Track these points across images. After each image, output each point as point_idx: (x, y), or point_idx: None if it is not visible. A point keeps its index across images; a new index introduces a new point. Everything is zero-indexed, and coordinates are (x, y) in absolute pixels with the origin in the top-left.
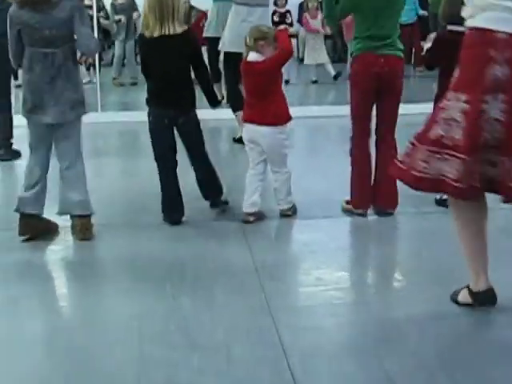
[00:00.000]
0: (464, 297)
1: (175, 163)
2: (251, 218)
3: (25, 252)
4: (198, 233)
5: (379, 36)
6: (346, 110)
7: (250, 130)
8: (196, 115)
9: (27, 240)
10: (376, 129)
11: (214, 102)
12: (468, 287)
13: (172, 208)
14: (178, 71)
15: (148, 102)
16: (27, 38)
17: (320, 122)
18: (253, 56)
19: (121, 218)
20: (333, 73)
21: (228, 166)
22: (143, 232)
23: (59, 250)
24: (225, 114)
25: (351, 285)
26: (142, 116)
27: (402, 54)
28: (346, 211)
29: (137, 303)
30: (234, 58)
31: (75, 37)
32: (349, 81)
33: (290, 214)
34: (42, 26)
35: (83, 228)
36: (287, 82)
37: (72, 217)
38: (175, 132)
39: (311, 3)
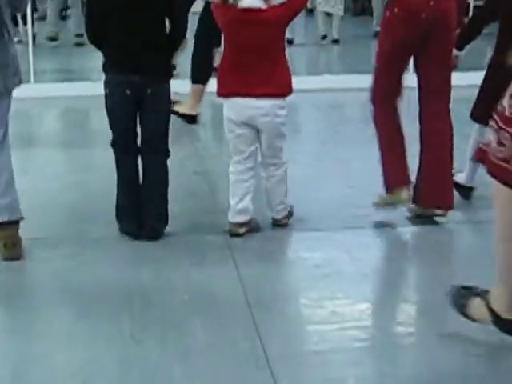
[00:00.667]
0: (481, 314)
1: (137, 151)
2: (241, 230)
3: None
4: (170, 251)
5: None
6: (369, 80)
7: (242, 108)
8: (169, 89)
9: None
10: (420, 102)
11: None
12: (488, 305)
13: (128, 214)
14: (148, 24)
15: (105, 67)
16: None
17: (335, 96)
18: (250, 2)
19: (62, 230)
20: (323, 33)
21: (209, 160)
22: (94, 249)
23: None
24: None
25: (378, 322)
26: (92, 88)
27: None
28: (383, 206)
29: (83, 350)
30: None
31: None
32: (380, 29)
33: (287, 222)
34: None
35: (9, 243)
36: (290, 42)
37: None
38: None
39: None
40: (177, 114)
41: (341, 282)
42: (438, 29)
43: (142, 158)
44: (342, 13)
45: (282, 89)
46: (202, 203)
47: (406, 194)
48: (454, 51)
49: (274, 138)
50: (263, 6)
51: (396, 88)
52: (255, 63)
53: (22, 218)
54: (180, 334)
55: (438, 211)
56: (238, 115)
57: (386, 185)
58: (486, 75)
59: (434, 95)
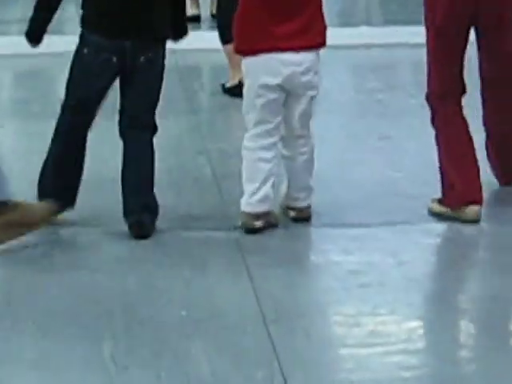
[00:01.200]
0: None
1: (93, 114)
2: (258, 224)
3: None
4: (163, 252)
5: None
6: (422, 34)
7: (279, 66)
8: (165, 53)
9: None
10: (483, 82)
11: (182, 32)
12: None
13: (61, 189)
14: None
15: (85, 23)
16: None
17: (376, 54)
18: None
19: None
20: None
21: (216, 136)
22: (63, 250)
23: None
24: (206, 39)
25: (431, 344)
26: (54, 44)
27: None
28: (438, 215)
29: (52, 379)
30: None
31: None
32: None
33: (310, 214)
34: None
35: None
36: None
37: None
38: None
39: None
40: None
41: (383, 292)
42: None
43: (123, 136)
44: None
45: (320, 38)
46: (205, 191)
47: (474, 213)
48: None
49: (309, 102)
50: None
51: (457, 78)
52: (291, 6)
53: None
54: (176, 359)
55: None
56: (274, 76)
57: (443, 193)
58: None
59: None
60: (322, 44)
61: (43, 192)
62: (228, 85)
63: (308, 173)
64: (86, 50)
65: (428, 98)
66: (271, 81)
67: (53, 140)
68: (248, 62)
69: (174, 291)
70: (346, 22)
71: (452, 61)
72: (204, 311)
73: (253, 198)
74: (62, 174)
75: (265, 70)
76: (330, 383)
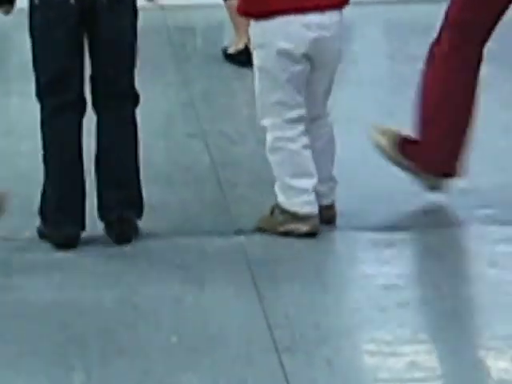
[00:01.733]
0: None
1: (83, 103)
2: (316, 226)
3: None
4: (148, 262)
5: None
6: None
7: (304, 30)
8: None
9: None
10: None
11: None
12: None
13: (65, 210)
14: None
15: None
16: None
17: (418, 10)
18: None
19: None
20: None
21: (215, 114)
22: (24, 264)
23: None
24: None
25: (484, 379)
26: None
27: None
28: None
29: None
30: None
31: None
32: None
33: (333, 215)
34: None
35: None
36: None
37: None
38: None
39: None
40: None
41: (426, 313)
42: None
43: (97, 109)
44: None
45: None
46: (201, 184)
47: (435, 182)
48: None
49: (334, 73)
50: None
51: (486, 20)
52: None
53: None
54: None
55: None
56: (297, 43)
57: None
58: None
59: None
60: (347, 1)
61: (46, 221)
62: (231, 50)
63: (329, 159)
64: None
65: (442, 30)
66: (294, 49)
67: (44, 157)
68: (260, 28)
69: (162, 311)
70: None
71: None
72: (199, 337)
73: (307, 196)
74: (67, 198)
75: (284, 37)
76: None
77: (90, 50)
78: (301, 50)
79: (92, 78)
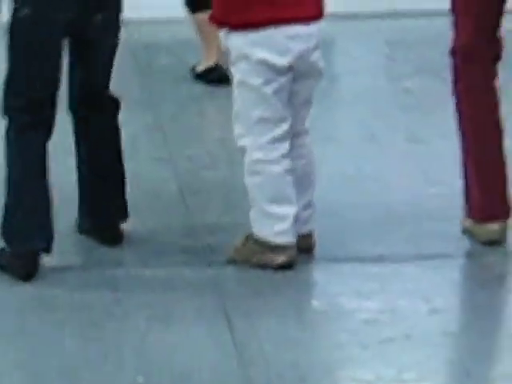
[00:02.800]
0: None
1: (53, 123)
2: (292, 257)
3: None
4: (112, 295)
5: None
6: None
7: (290, 41)
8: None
9: None
10: None
11: None
12: None
13: (31, 226)
14: None
15: None
16: None
17: (405, 24)
18: None
19: None
20: None
21: (183, 138)
22: None
23: None
24: (167, 6)
25: None
26: None
27: None
28: (467, 233)
29: None
30: None
31: None
32: None
33: (311, 245)
34: None
35: None
36: None
37: None
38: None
39: None
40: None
41: (412, 350)
42: None
43: (79, 123)
44: None
45: (322, 4)
46: (169, 212)
47: (496, 229)
48: None
49: (315, 86)
50: None
51: (493, 36)
52: None
53: None
54: None
55: None
56: (284, 54)
57: (468, 205)
58: None
59: None
60: (322, 13)
61: (11, 237)
62: (200, 68)
63: (310, 183)
64: (26, 12)
65: (452, 55)
66: (279, 61)
67: (9, 168)
68: (241, 39)
69: (127, 350)
70: None
71: (487, 13)
72: (167, 377)
73: (285, 224)
74: (32, 211)
75: (268, 48)
76: None
77: (75, 63)
78: (286, 61)
79: (73, 89)
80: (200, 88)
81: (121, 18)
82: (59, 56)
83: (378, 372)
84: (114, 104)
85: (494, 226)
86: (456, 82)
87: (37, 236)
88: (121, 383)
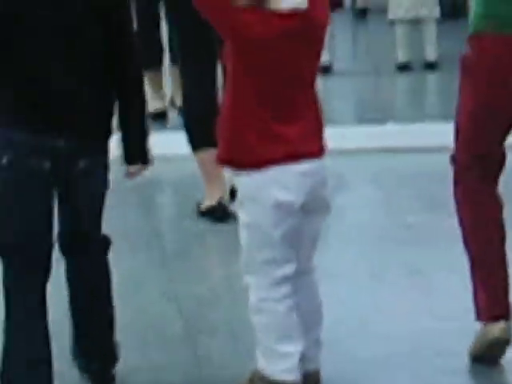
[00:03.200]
0: None
1: (47, 271)
2: None
3: None
4: None
5: None
6: None
7: (300, 178)
8: (108, 158)
9: None
10: None
11: (139, 154)
12: None
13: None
14: (81, 47)
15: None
16: None
17: (407, 160)
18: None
19: None
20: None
21: (189, 276)
22: None
23: None
24: (172, 143)
25: None
26: None
27: None
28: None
29: None
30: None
31: None
32: (460, 71)
33: (319, 382)
34: None
35: None
36: (327, 68)
37: None
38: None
39: None
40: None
41: None
42: None
43: (66, 262)
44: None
45: (324, 142)
46: (174, 354)
47: (500, 330)
48: None
49: (323, 222)
50: (303, 5)
51: (495, 153)
52: (297, 103)
53: None
54: None
55: None
56: (299, 192)
57: (477, 309)
58: None
59: None
60: (325, 149)
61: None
62: (203, 207)
63: (317, 321)
64: (5, 160)
65: (454, 161)
66: (294, 200)
67: (7, 321)
68: (251, 180)
69: None
70: (367, 118)
71: (486, 137)
72: None
73: (290, 362)
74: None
75: (282, 187)
76: None
77: (60, 208)
78: (300, 200)
79: (60, 231)
80: (204, 224)
81: (107, 163)
82: (46, 204)
83: None
84: (103, 246)
85: (500, 325)
86: (455, 186)
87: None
88: None
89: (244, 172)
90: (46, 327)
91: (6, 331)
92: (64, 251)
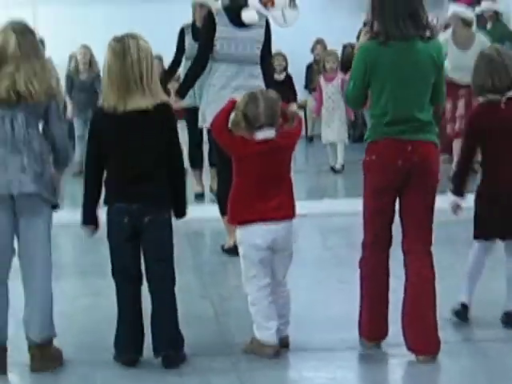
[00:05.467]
0: None
1: (139, 281)
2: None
3: None
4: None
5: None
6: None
7: (267, 232)
8: (170, 219)
9: None
10: (403, 238)
11: (182, 211)
12: None
13: (127, 343)
14: (149, 155)
15: (106, 197)
16: None
17: (338, 220)
18: (267, 133)
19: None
20: (338, 164)
21: (216, 283)
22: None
23: None
24: (208, 211)
25: None
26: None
27: (436, 140)
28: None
29: None
30: None
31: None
32: (363, 173)
33: (288, 342)
34: None
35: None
36: None
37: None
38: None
39: (329, 64)
40: (225, 251)
41: None
42: (417, 174)
43: (149, 286)
44: (343, 138)
45: (292, 210)
46: (206, 327)
47: (373, 345)
48: (455, 198)
49: (287, 260)
50: (272, 135)
51: (389, 233)
52: (272, 188)
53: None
54: None
55: (425, 356)
56: (264, 239)
57: (359, 327)
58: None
59: (417, 236)
60: (294, 215)
61: (116, 341)
62: (226, 246)
63: (286, 310)
64: (108, 216)
65: (363, 244)
66: (262, 243)
67: (119, 309)
68: (240, 230)
69: None
70: (314, 195)
71: (383, 215)
72: None
73: (271, 332)
74: (125, 329)
75: (257, 236)
76: None
77: (142, 250)
78: (266, 244)
79: (145, 267)
80: (225, 258)
81: (167, 218)
82: (131, 245)
83: None
84: (169, 279)
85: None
86: (364, 245)
87: (132, 351)
88: None
89: (238, 227)
90: (139, 312)
91: (118, 313)
92: (148, 280)
